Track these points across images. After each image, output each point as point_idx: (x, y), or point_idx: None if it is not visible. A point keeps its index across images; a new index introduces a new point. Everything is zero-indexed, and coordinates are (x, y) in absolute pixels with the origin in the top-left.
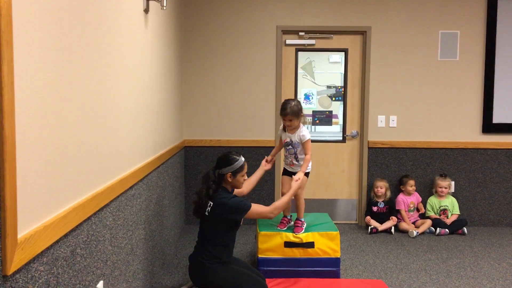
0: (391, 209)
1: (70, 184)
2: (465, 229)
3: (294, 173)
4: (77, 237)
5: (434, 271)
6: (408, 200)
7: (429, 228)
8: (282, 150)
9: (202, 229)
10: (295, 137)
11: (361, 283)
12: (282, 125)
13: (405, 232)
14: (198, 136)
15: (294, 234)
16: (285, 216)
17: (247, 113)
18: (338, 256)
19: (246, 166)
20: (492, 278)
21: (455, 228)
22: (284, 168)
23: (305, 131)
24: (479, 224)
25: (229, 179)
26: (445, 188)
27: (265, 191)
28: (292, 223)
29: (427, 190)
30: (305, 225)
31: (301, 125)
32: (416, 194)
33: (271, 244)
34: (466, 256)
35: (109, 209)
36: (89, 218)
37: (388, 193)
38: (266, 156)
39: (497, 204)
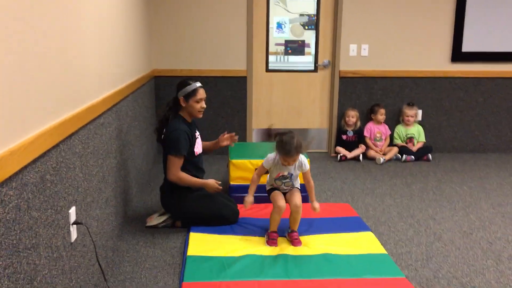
0: (360, 138)
1: (35, 110)
2: (430, 155)
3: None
4: (46, 163)
5: (398, 195)
6: (375, 129)
7: (395, 155)
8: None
9: (163, 158)
10: (295, 169)
11: (328, 206)
12: (272, 158)
13: (372, 159)
14: (168, 66)
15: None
16: (273, 232)
17: (218, 42)
18: None
19: (201, 93)
20: (452, 200)
21: (421, 154)
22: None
23: (305, 159)
24: (444, 150)
25: (183, 104)
26: (411, 116)
27: (236, 121)
28: (286, 235)
29: (395, 119)
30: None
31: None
32: (386, 126)
33: (243, 171)
34: (429, 180)
35: (78, 137)
36: (57, 145)
37: (358, 123)
38: (227, 132)
39: (462, 131)
